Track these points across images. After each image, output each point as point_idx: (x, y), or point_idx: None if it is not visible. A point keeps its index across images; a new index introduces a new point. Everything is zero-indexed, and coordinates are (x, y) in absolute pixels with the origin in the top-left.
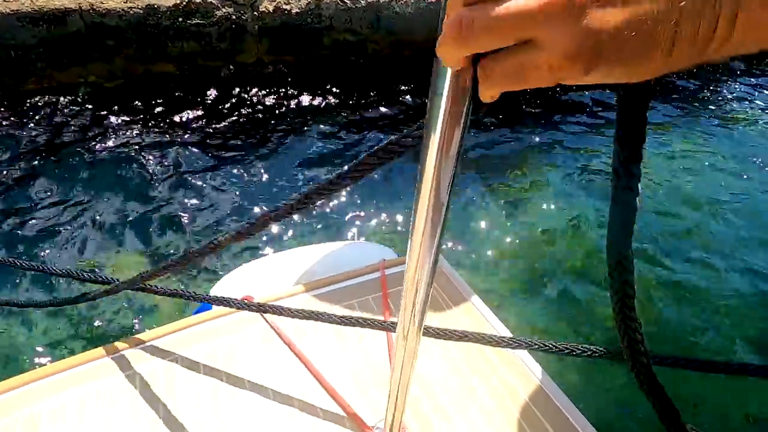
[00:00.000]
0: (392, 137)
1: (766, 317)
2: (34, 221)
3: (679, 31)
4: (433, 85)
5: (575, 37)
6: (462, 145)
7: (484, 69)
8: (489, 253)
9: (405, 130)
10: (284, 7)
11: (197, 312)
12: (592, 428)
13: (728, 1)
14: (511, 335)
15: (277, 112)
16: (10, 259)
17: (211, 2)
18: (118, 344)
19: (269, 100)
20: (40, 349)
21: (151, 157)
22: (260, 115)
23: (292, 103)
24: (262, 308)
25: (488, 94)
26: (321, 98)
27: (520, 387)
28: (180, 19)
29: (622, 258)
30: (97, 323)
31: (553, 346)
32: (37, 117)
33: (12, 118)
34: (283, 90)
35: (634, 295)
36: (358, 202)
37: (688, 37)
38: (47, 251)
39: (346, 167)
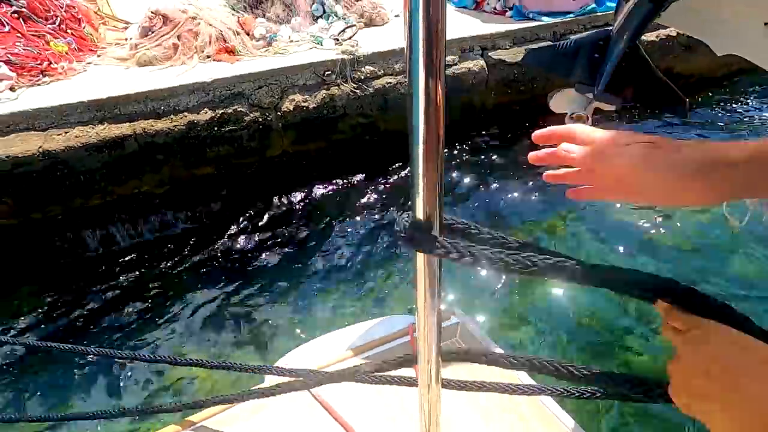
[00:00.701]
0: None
1: None
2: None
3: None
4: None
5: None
6: None
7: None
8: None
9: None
10: (302, 104)
11: None
12: None
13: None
14: (532, 382)
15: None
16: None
17: (240, 110)
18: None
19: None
20: None
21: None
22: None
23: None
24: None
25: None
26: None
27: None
28: (215, 128)
29: None
30: None
31: (571, 390)
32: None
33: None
34: (304, 175)
35: None
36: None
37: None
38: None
39: None
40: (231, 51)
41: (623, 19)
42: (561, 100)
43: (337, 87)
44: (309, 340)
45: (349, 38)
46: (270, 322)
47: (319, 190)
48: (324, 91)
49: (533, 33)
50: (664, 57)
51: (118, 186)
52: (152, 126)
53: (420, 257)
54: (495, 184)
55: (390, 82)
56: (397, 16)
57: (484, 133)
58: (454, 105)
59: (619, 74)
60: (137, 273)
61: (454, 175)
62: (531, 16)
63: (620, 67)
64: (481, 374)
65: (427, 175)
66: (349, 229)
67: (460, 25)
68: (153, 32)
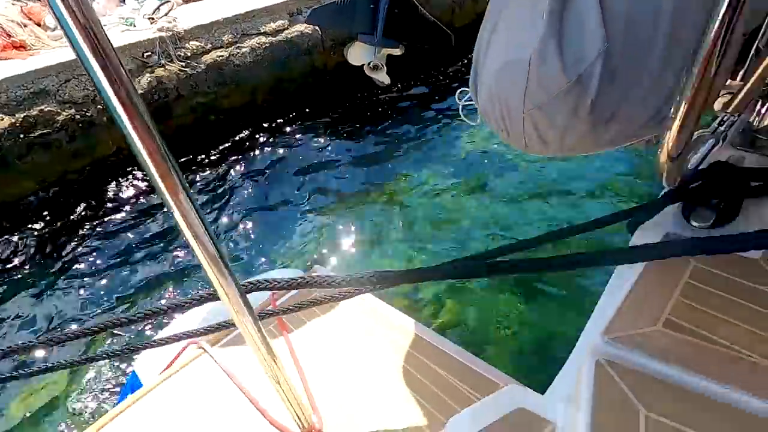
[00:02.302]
0: None
1: None
2: None
3: None
4: None
5: None
6: None
7: None
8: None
9: None
10: None
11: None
12: (483, 363)
13: None
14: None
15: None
16: None
17: (48, 110)
18: None
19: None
20: None
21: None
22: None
23: None
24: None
25: None
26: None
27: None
28: (21, 136)
29: None
30: None
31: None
32: None
33: None
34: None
35: None
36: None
37: None
38: None
39: None
40: (21, 46)
41: None
42: (355, 53)
43: (162, 68)
44: None
45: (165, 15)
46: None
47: None
48: (149, 75)
49: None
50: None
51: None
52: None
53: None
54: (345, 146)
55: (222, 56)
56: None
57: (330, 96)
58: (297, 67)
59: (393, 19)
60: None
61: (315, 143)
62: None
63: (392, 13)
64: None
65: None
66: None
67: None
68: None
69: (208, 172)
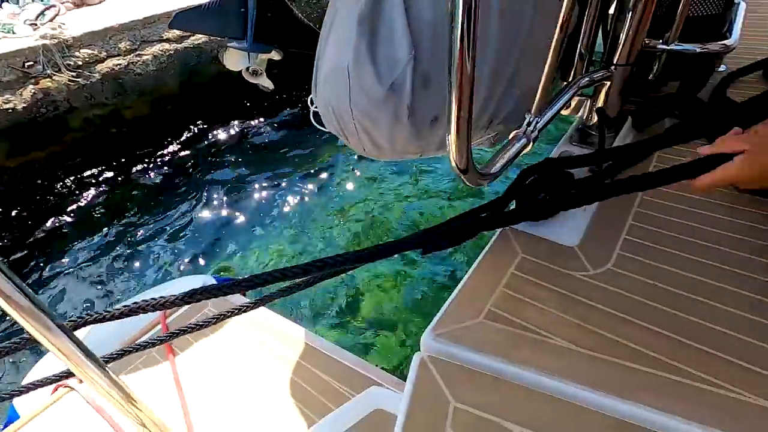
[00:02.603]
0: None
1: None
2: None
3: None
4: None
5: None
6: None
7: None
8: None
9: None
10: (6, 106)
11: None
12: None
13: None
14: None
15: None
16: None
17: None
18: None
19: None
20: None
21: None
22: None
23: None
24: None
25: None
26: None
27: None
28: None
29: None
30: None
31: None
32: None
33: None
34: (39, 189)
35: None
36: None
37: None
38: None
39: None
40: None
41: None
42: (231, 58)
43: (49, 79)
44: None
45: (51, 20)
46: None
47: (67, 200)
48: (32, 86)
49: None
50: None
51: None
52: None
53: None
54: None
55: (119, 64)
56: None
57: (248, 104)
58: (207, 74)
59: (265, 23)
60: None
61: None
62: None
63: (265, 17)
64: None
65: None
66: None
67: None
68: None
69: (111, 186)
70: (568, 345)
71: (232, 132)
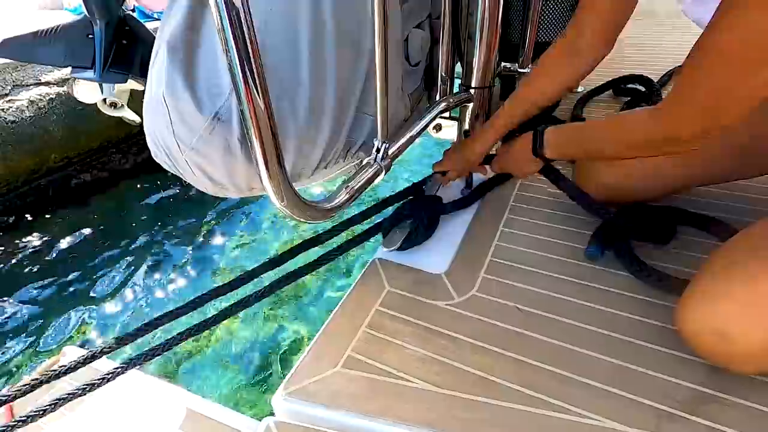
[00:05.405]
0: None
1: None
2: None
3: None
4: None
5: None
6: None
7: None
8: None
9: None
10: None
11: None
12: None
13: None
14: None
15: None
16: None
17: None
18: None
19: None
20: None
21: None
22: None
23: None
24: None
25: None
26: None
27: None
28: None
29: None
30: None
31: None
32: None
33: None
34: None
35: None
36: None
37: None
38: None
39: None
40: None
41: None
42: (83, 90)
43: None
44: None
45: None
46: None
47: None
48: None
49: None
50: None
51: None
52: None
53: None
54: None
55: None
56: None
57: None
58: (102, 118)
59: (121, 50)
60: None
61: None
62: (156, 16)
63: (119, 43)
64: None
65: None
66: None
67: None
68: None
69: None
70: (423, 386)
71: (131, 176)
